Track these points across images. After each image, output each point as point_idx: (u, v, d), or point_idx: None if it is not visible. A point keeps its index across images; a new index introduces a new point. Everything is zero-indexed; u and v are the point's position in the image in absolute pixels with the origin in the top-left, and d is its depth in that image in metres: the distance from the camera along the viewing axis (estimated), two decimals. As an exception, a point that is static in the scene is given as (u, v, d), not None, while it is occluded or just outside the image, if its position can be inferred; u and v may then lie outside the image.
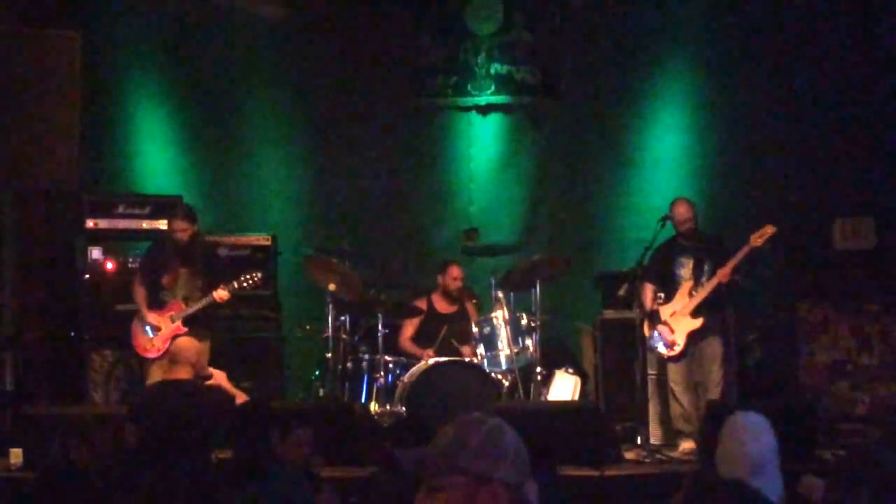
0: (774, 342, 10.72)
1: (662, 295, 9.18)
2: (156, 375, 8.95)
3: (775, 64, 11.40)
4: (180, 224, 9.17)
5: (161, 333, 9.08)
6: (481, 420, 2.89)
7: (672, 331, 9.07)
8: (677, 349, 9.09)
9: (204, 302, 9.11)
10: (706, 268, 9.07)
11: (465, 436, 2.84)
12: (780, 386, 10.55)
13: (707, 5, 11.43)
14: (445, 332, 9.92)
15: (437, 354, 9.67)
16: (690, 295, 9.11)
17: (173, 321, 9.09)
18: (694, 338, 9.10)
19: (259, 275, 9.32)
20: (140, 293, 9.23)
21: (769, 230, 8.92)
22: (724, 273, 8.95)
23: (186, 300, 9.16)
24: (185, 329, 9.00)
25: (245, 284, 9.25)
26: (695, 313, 9.06)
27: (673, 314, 9.10)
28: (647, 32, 11.62)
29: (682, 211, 9.28)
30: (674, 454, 8.90)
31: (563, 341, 11.06)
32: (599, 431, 8.30)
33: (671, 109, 11.56)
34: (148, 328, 9.11)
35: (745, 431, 4.52)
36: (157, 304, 9.19)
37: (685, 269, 9.19)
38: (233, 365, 9.84)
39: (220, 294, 9.08)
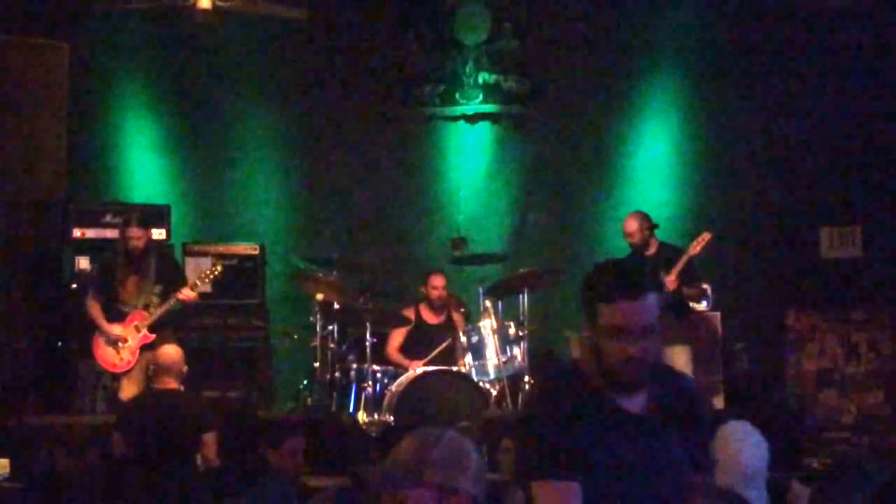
0: (761, 350, 10.74)
1: None
2: (129, 389, 8.86)
3: (762, 73, 11.42)
4: (135, 231, 8.97)
5: (128, 345, 8.91)
6: (440, 432, 2.92)
7: None
8: None
9: (167, 305, 8.95)
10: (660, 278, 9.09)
11: (427, 448, 2.86)
12: (767, 394, 10.56)
13: (694, 16, 11.44)
14: (447, 345, 9.90)
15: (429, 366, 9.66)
16: None
17: (139, 330, 8.92)
18: None
19: (219, 267, 9.27)
20: (95, 308, 9.00)
21: (706, 236, 9.08)
22: (670, 280, 9.00)
23: (147, 307, 8.99)
24: (154, 336, 8.89)
25: (207, 280, 9.20)
26: None
27: None
28: (634, 42, 11.65)
29: (627, 225, 9.40)
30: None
31: (552, 350, 11.07)
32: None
33: (658, 119, 11.59)
34: (112, 342, 8.98)
35: (742, 441, 4.51)
36: (118, 316, 8.99)
37: None
38: (221, 374, 9.84)
39: (186, 294, 8.96)
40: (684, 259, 9.03)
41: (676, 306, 9.09)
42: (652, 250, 9.37)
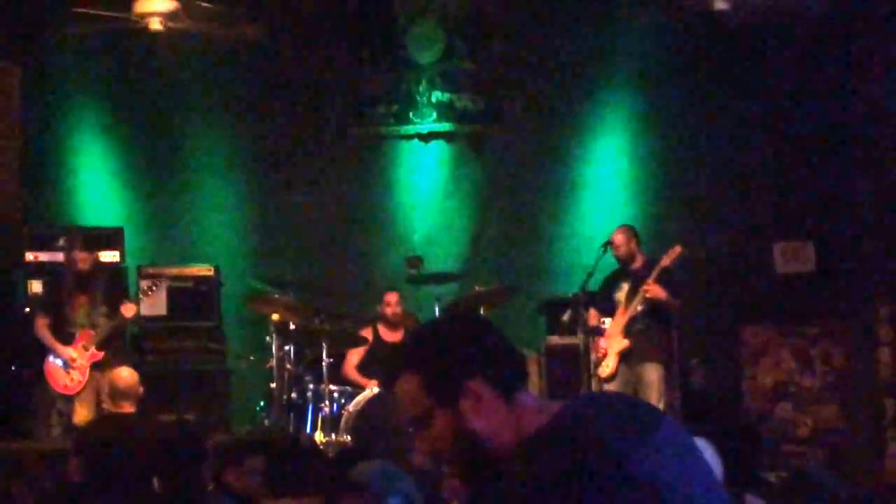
0: (717, 365, 10.80)
1: (605, 320, 9.36)
2: (81, 412, 8.87)
3: (717, 90, 11.48)
4: (81, 254, 9.16)
5: (78, 364, 9.00)
6: None
7: (605, 350, 9.21)
8: (607, 370, 9.21)
9: (113, 322, 9.11)
10: (639, 291, 9.19)
11: None
12: (723, 408, 10.63)
13: (648, 34, 11.49)
14: None
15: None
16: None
17: (87, 349, 9.02)
18: (629, 361, 9.20)
19: (161, 283, 9.42)
20: (44, 330, 9.16)
21: (677, 250, 9.20)
22: (646, 289, 9.08)
23: (94, 327, 9.12)
24: (102, 354, 8.99)
25: (150, 292, 9.49)
26: (624, 333, 9.20)
27: (608, 336, 9.24)
28: (588, 61, 11.69)
29: (616, 238, 9.47)
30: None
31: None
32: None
33: (613, 136, 11.63)
34: (62, 363, 9.03)
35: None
36: (66, 338, 9.12)
37: (621, 293, 9.35)
38: (177, 397, 9.79)
39: (128, 309, 9.08)
40: (656, 270, 9.13)
41: (656, 318, 9.18)
42: (637, 264, 9.45)
